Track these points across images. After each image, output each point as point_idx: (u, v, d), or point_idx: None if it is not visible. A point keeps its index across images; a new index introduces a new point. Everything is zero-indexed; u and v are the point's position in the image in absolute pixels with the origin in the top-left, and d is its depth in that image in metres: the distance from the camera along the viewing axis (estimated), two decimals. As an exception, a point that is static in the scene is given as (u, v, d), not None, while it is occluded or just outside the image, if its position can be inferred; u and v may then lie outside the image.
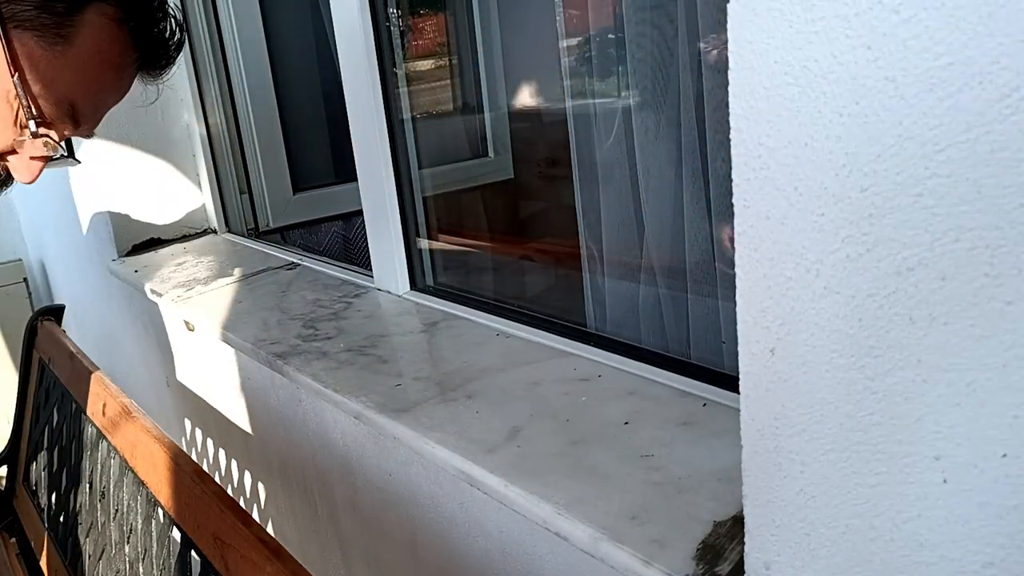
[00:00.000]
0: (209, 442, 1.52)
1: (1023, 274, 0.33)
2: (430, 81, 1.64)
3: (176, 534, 0.89)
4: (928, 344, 0.37)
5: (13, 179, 0.68)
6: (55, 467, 1.37)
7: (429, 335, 1.07)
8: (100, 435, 1.16)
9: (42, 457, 1.44)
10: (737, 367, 0.46)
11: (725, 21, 0.41)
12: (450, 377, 0.91)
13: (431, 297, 1.19)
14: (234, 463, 1.41)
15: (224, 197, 1.89)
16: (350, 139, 1.23)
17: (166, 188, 1.86)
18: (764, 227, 0.42)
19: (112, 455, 1.11)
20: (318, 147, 2.00)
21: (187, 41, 1.78)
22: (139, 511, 1.00)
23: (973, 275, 0.34)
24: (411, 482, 0.87)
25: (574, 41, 1.06)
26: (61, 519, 1.30)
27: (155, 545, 0.94)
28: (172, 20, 0.69)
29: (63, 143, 0.67)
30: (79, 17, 0.61)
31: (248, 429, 1.27)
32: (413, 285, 1.24)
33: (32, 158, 0.65)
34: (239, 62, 1.80)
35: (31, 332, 1.55)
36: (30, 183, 0.67)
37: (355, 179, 1.25)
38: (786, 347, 0.43)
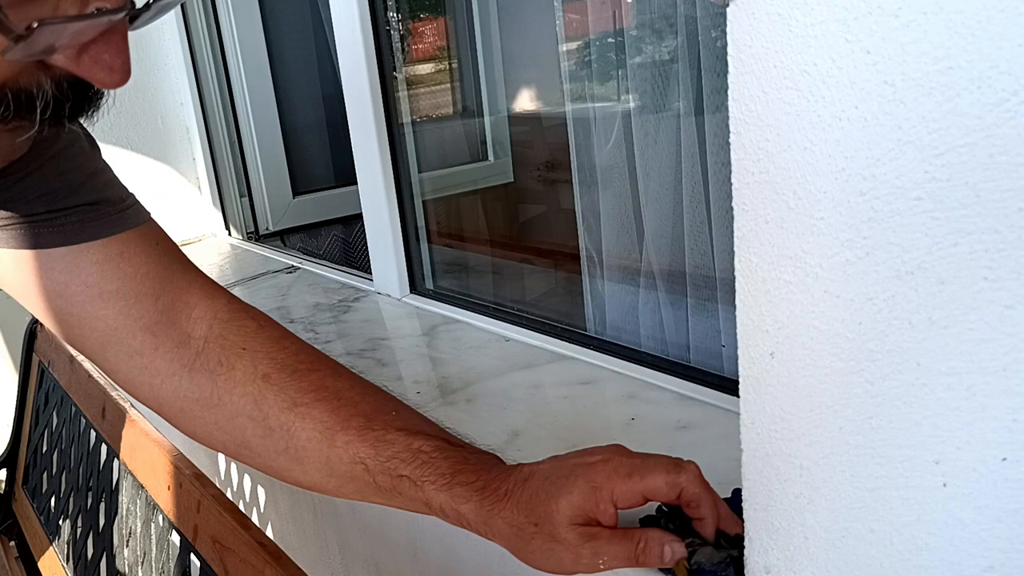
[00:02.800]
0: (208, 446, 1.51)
1: (1022, 278, 0.33)
2: (430, 85, 1.64)
3: (175, 537, 0.89)
4: (927, 348, 0.37)
5: (92, 95, 0.45)
6: (54, 470, 1.37)
7: (429, 338, 1.07)
8: (100, 438, 1.16)
9: (42, 460, 1.44)
10: (736, 371, 0.47)
11: (724, 25, 0.41)
12: (450, 380, 0.91)
13: (431, 301, 1.19)
14: (233, 466, 1.41)
15: (224, 200, 1.89)
16: (350, 142, 1.24)
17: (166, 192, 1.86)
18: (763, 231, 0.42)
19: (112, 458, 1.11)
20: (318, 150, 2.00)
21: (187, 44, 1.79)
22: (138, 514, 1.00)
23: (972, 279, 0.34)
24: (411, 486, 0.87)
25: (574, 45, 1.06)
26: (60, 522, 1.29)
27: (154, 548, 0.94)
28: None
29: None
30: None
31: (248, 432, 1.27)
32: (413, 289, 1.25)
33: (85, 45, 0.41)
34: (239, 65, 1.80)
35: (31, 336, 1.55)
36: (119, 82, 0.43)
37: (355, 182, 1.25)
38: (785, 351, 0.43)
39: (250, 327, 0.64)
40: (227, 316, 0.64)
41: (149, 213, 0.65)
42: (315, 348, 0.66)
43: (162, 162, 1.84)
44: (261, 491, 1.32)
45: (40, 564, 1.35)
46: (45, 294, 0.60)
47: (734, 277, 0.45)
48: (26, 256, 0.59)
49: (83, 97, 0.44)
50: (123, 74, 0.42)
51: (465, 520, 0.56)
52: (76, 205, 0.59)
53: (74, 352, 1.33)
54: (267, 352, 0.63)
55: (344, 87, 1.20)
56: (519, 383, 0.89)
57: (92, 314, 0.61)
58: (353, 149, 1.23)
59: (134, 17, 0.41)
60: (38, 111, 0.42)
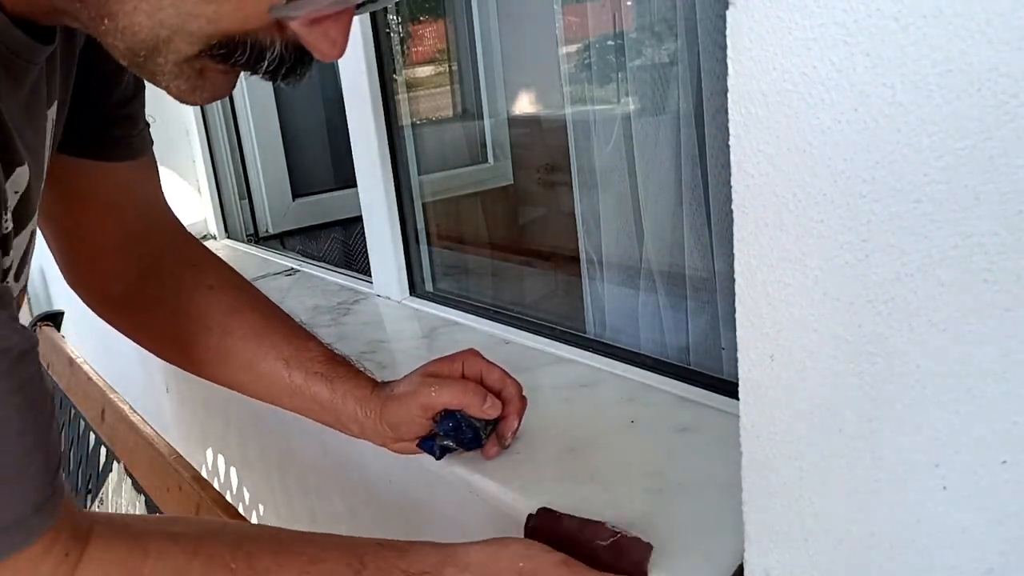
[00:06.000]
0: (208, 449, 1.52)
1: (1021, 280, 0.33)
2: (430, 87, 1.64)
3: (175, 540, 0.89)
4: (927, 350, 0.37)
5: (304, 63, 0.48)
6: (54, 473, 1.36)
7: (429, 341, 1.07)
8: (99, 441, 1.16)
9: (41, 463, 1.44)
10: (736, 373, 0.47)
11: (724, 28, 0.41)
12: (449, 383, 0.90)
13: (430, 303, 1.19)
14: (233, 469, 1.41)
15: (223, 203, 1.89)
16: (350, 145, 1.24)
17: (165, 193, 1.85)
18: (763, 233, 0.42)
19: (111, 461, 1.11)
20: (318, 153, 2.00)
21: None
22: (138, 517, 1.00)
23: (972, 281, 0.34)
24: (411, 489, 0.87)
25: (573, 48, 1.06)
26: (59, 525, 1.29)
27: (153, 551, 0.94)
28: None
29: None
30: None
31: (247, 435, 1.27)
32: (412, 291, 1.24)
33: (320, 18, 0.44)
34: (239, 68, 1.80)
35: (30, 338, 1.55)
36: (336, 56, 0.46)
37: (355, 185, 1.25)
38: (785, 353, 0.43)
39: (199, 248, 0.77)
40: (182, 238, 0.76)
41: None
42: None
43: (161, 164, 1.81)
44: (260, 494, 1.32)
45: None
46: (78, 200, 0.67)
47: (734, 279, 0.45)
48: (107, 167, 0.67)
49: (297, 63, 0.47)
50: (342, 49, 0.46)
51: (359, 401, 0.68)
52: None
53: (74, 354, 1.33)
54: (213, 269, 0.74)
55: (344, 89, 1.20)
56: (519, 385, 0.88)
57: (93, 219, 0.69)
58: (353, 151, 1.23)
59: (362, 3, 0.46)
60: (264, 64, 0.45)
